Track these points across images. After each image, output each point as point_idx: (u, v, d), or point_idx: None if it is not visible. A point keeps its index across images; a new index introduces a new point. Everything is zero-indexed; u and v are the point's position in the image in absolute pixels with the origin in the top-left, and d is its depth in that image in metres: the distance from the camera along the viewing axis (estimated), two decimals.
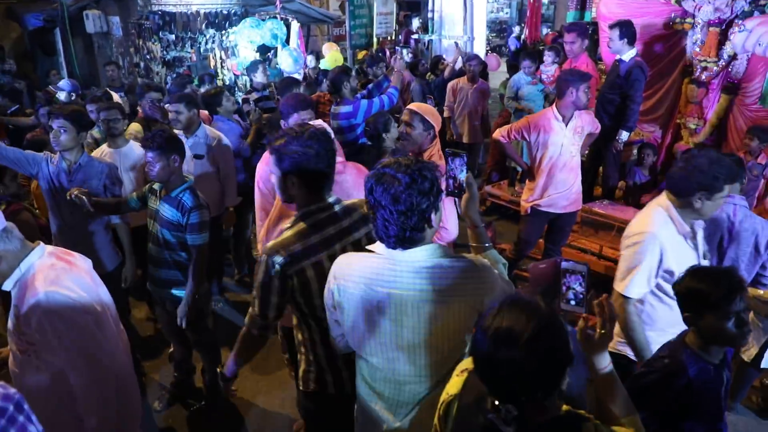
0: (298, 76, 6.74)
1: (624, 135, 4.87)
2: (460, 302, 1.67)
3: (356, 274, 1.72)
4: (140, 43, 7.92)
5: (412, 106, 3.15)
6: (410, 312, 1.67)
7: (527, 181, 4.26)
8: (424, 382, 1.77)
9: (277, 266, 1.89)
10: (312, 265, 1.94)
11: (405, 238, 1.63)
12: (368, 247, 1.77)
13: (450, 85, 6.55)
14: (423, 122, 3.04)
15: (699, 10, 5.07)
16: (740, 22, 4.81)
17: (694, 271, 1.94)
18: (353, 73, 5.00)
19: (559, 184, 4.04)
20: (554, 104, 3.99)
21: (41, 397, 1.97)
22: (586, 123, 4.04)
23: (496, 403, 1.32)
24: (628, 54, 4.86)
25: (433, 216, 1.65)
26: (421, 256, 1.66)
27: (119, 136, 3.88)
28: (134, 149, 3.91)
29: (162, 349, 4.04)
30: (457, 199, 1.95)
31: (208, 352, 3.49)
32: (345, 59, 9.68)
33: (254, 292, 1.98)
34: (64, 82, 6.20)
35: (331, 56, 8.58)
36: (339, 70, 4.76)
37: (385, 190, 1.59)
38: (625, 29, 4.82)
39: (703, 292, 1.86)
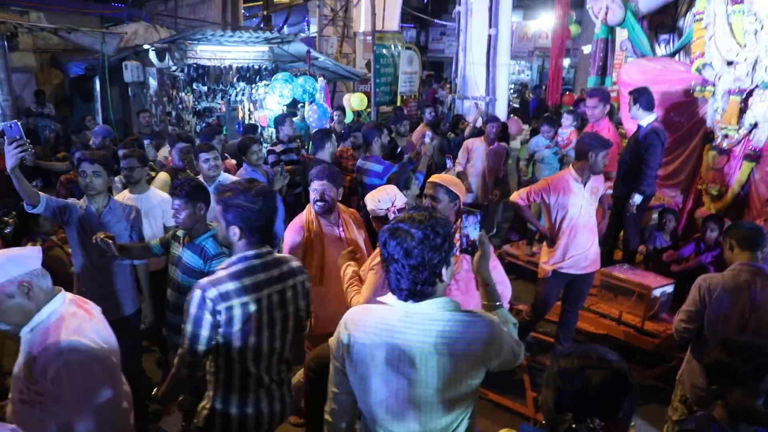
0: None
1: (636, 198, 4.89)
2: (467, 357, 1.67)
3: (367, 323, 1.74)
4: (174, 93, 8.25)
5: (435, 178, 3.06)
6: (418, 364, 1.67)
7: (545, 244, 4.24)
8: None
9: (208, 301, 2.06)
10: (240, 304, 2.12)
11: (416, 291, 1.67)
12: (380, 299, 1.79)
13: (465, 143, 6.53)
14: (448, 194, 2.96)
15: (719, 79, 5.14)
16: (761, 91, 4.87)
17: (724, 343, 1.90)
18: (384, 130, 5.23)
19: (580, 245, 4.04)
20: (571, 166, 4.04)
21: None
22: (599, 183, 4.10)
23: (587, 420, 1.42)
24: (646, 120, 4.95)
25: (444, 271, 1.69)
26: (432, 308, 1.69)
27: (138, 182, 4.00)
28: (152, 196, 4.03)
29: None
30: (469, 256, 1.97)
31: None
32: (369, 114, 9.99)
33: (185, 327, 2.12)
34: (98, 128, 6.45)
35: (356, 97, 8.94)
36: (372, 125, 5.01)
37: (399, 245, 1.64)
38: (638, 95, 4.96)
39: (731, 366, 1.81)
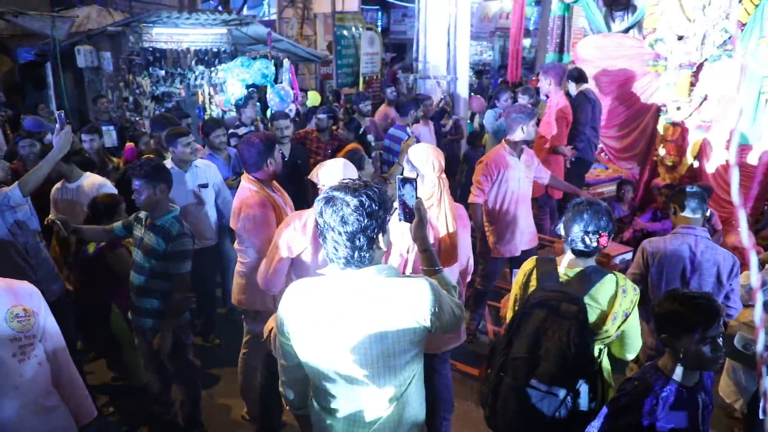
0: (290, 113, 6.83)
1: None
2: (407, 319, 1.71)
3: (307, 298, 1.77)
4: (130, 78, 8.03)
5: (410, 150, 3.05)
6: (362, 332, 1.71)
7: (488, 223, 4.22)
8: (381, 403, 1.79)
9: None
10: None
11: (354, 258, 1.69)
12: (319, 271, 1.82)
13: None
14: (408, 162, 2.99)
15: (671, 53, 5.31)
16: (710, 64, 5.04)
17: (674, 295, 2.00)
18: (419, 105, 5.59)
19: (522, 217, 4.13)
20: (504, 142, 4.10)
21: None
22: (530, 156, 4.19)
23: None
24: (575, 88, 5.39)
25: (380, 237, 1.72)
26: (371, 275, 1.72)
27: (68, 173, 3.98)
28: (83, 184, 3.98)
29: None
30: (409, 223, 2.03)
31: (186, 384, 3.44)
32: (329, 97, 9.97)
33: None
34: (27, 121, 6.27)
35: (311, 95, 9.08)
36: (411, 99, 5.47)
37: (334, 213, 1.66)
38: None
39: (682, 316, 1.92)
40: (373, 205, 1.67)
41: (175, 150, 4.08)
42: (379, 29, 14.71)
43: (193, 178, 4.14)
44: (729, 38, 4.89)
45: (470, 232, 3.06)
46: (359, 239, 1.66)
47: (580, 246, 2.28)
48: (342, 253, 1.69)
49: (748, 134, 4.79)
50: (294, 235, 2.75)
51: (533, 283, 2.37)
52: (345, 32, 10.23)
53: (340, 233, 1.66)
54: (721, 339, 1.93)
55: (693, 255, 2.92)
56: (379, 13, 19.72)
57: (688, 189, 3.07)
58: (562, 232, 2.36)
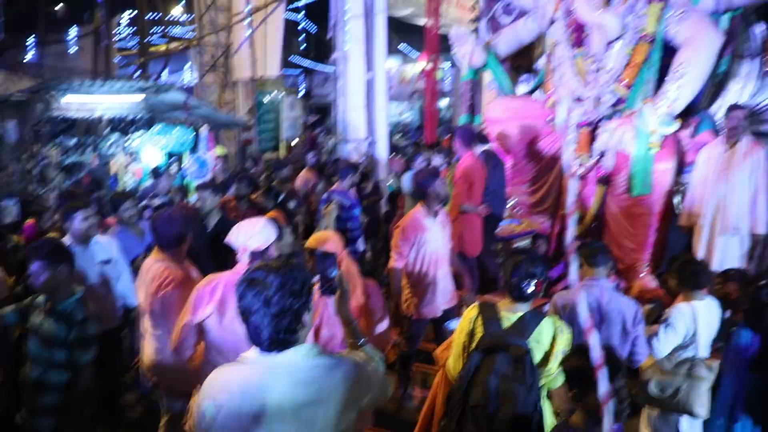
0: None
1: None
2: (338, 401, 1.66)
3: (230, 386, 1.68)
4: (36, 148, 7.68)
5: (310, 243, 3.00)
6: (289, 419, 1.63)
7: (407, 287, 4.23)
8: None
9: None
10: None
11: (279, 340, 1.64)
12: (241, 355, 1.74)
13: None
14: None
15: (570, 114, 5.72)
16: (605, 123, 5.47)
17: (578, 350, 2.09)
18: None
19: (441, 280, 4.17)
20: (419, 205, 4.17)
21: None
22: (444, 215, 4.32)
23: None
24: (480, 149, 5.73)
25: (305, 316, 1.68)
26: (296, 357, 1.67)
27: None
28: None
29: None
30: (331, 296, 2.03)
31: None
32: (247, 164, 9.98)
33: None
34: None
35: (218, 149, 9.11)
36: (348, 164, 5.74)
37: (256, 295, 1.61)
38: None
39: (586, 371, 1.99)
40: (297, 284, 1.63)
41: (72, 225, 3.84)
42: (302, 92, 15.00)
43: (94, 254, 3.89)
44: (618, 99, 5.36)
45: (383, 303, 3.08)
46: (284, 319, 1.61)
47: (518, 292, 2.51)
48: (266, 335, 1.63)
49: (641, 186, 5.18)
50: (201, 298, 2.69)
51: (479, 330, 2.52)
52: (266, 98, 10.35)
53: (263, 315, 1.60)
54: (625, 389, 2.02)
55: (599, 306, 3.06)
56: (301, 77, 20.16)
57: (592, 244, 3.26)
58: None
